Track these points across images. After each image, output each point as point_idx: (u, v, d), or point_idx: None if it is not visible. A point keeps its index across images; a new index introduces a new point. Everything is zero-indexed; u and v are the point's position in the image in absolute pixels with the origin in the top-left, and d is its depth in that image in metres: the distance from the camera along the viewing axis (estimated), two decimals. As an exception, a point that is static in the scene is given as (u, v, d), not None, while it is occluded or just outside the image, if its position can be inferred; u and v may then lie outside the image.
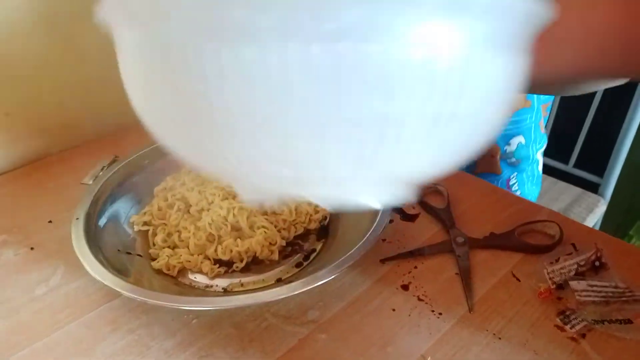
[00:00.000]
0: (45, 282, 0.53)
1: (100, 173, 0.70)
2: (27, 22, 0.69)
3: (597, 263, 0.50)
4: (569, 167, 1.43)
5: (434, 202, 0.60)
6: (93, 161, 0.72)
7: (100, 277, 0.45)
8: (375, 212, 0.50)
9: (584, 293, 0.47)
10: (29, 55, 0.71)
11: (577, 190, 1.31)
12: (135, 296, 0.44)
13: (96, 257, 0.48)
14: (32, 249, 0.58)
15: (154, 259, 0.54)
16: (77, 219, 0.52)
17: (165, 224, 0.57)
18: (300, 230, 0.58)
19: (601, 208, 1.30)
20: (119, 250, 0.54)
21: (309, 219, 0.58)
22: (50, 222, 0.62)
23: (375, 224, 0.49)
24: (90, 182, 0.69)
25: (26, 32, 0.70)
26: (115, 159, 0.74)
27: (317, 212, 0.58)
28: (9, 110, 0.72)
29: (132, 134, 0.81)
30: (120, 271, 0.48)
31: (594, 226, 1.31)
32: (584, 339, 0.45)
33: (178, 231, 0.56)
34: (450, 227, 0.56)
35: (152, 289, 0.47)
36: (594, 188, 1.32)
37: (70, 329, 0.48)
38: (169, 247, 0.55)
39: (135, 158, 0.64)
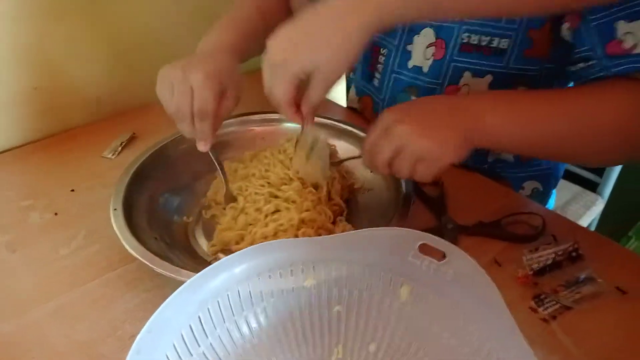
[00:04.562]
0: (68, 244, 0.59)
1: (120, 148, 0.75)
2: (54, 1, 0.74)
3: (573, 254, 0.54)
4: (568, 165, 1.45)
5: (429, 190, 0.64)
6: (112, 136, 0.77)
7: (122, 238, 0.51)
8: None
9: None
10: (56, 34, 0.76)
11: (574, 188, 1.34)
12: (145, 262, 0.49)
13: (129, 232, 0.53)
14: (56, 214, 0.63)
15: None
16: (115, 209, 0.55)
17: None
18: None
19: (599, 207, 1.33)
20: (155, 238, 0.57)
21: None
22: (72, 190, 0.67)
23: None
24: (110, 155, 0.74)
25: (53, 11, 0.74)
26: (134, 135, 0.79)
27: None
28: (37, 84, 0.77)
29: (149, 112, 0.86)
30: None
31: (589, 225, 1.34)
32: (555, 320, 0.49)
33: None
34: (442, 214, 0.61)
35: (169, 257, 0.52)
36: (592, 187, 1.35)
37: (90, 286, 0.53)
38: None
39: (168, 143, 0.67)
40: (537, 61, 0.62)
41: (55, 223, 0.62)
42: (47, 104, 0.79)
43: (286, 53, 0.47)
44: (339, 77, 0.49)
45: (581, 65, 0.55)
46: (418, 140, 0.49)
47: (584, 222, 1.27)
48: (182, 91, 0.53)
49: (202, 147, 0.57)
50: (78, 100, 0.82)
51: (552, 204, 0.86)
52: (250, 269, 0.43)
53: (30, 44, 0.74)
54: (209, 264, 0.57)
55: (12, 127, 0.77)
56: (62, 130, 0.81)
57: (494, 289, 0.38)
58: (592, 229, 1.36)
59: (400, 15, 0.47)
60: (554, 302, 0.51)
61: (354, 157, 0.62)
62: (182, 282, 0.41)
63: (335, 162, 0.63)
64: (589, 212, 1.30)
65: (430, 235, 0.42)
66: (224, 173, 0.62)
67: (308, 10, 0.48)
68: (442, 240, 0.41)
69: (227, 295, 0.42)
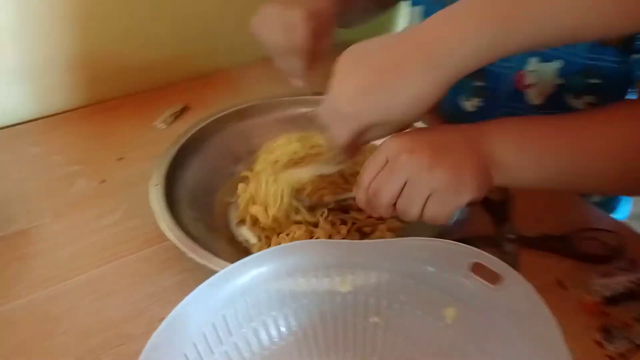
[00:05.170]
0: (110, 214, 0.58)
1: (171, 119, 0.74)
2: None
3: (654, 284, 0.47)
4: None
5: (492, 193, 0.58)
6: (164, 106, 0.76)
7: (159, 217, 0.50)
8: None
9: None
10: (110, 3, 0.75)
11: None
12: (179, 245, 0.47)
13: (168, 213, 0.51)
14: (102, 182, 0.63)
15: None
16: (157, 185, 0.54)
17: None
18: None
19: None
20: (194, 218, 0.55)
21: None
22: (120, 159, 0.66)
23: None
24: (161, 125, 0.73)
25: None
26: (186, 106, 0.77)
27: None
28: (94, 48, 0.77)
29: (203, 83, 0.84)
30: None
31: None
32: (624, 360, 0.43)
33: None
34: (504, 221, 0.55)
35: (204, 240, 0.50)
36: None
37: (126, 261, 0.53)
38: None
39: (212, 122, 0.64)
40: (608, 50, 0.56)
41: (100, 191, 0.61)
42: (102, 69, 0.78)
43: (356, 105, 0.41)
44: (403, 129, 0.45)
45: (637, 56, 0.51)
46: (431, 171, 0.41)
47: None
48: (282, 27, 0.54)
49: (297, 82, 0.59)
50: (132, 67, 0.81)
51: (627, 209, 0.77)
52: (282, 268, 0.39)
53: (91, 9, 0.73)
54: (245, 249, 0.55)
55: (66, 90, 0.77)
56: (114, 96, 0.80)
57: (554, 324, 0.33)
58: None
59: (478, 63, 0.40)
60: (625, 339, 0.44)
61: (347, 198, 0.54)
62: (214, 270, 0.39)
63: (329, 204, 0.56)
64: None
65: (485, 253, 0.37)
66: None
67: (379, 48, 0.42)
68: (498, 261, 0.36)
69: (256, 293, 0.39)
